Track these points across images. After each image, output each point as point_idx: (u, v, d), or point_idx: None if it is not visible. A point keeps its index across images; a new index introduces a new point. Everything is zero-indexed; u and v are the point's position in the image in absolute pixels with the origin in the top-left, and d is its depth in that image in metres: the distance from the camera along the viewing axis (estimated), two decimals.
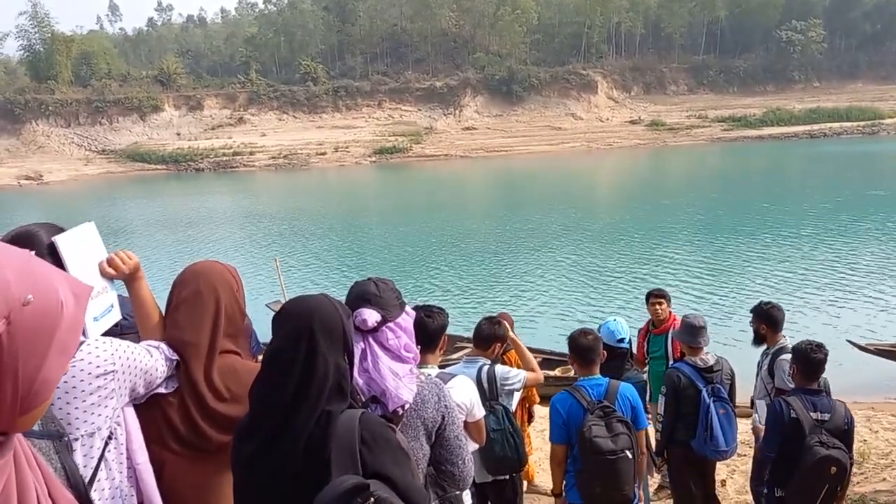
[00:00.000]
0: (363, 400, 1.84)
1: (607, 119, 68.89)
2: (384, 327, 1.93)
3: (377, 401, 1.87)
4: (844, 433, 3.54)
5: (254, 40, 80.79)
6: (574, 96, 70.95)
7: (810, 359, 3.60)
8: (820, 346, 3.65)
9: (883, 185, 29.55)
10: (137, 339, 2.07)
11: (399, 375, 1.90)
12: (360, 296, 1.97)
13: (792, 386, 3.98)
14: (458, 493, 2.10)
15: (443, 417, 2.01)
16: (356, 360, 1.89)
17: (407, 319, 2.01)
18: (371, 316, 1.91)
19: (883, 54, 75.72)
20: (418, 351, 2.07)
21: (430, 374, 2.20)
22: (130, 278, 2.03)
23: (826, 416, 3.50)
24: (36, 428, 1.31)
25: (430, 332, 2.67)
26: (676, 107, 69.77)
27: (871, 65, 74.91)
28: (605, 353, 3.88)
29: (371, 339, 1.92)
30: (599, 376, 3.56)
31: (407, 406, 1.91)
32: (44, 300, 0.86)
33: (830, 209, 24.60)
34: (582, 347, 3.58)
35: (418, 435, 1.97)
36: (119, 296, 2.08)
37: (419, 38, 78.57)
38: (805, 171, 39.89)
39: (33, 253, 0.93)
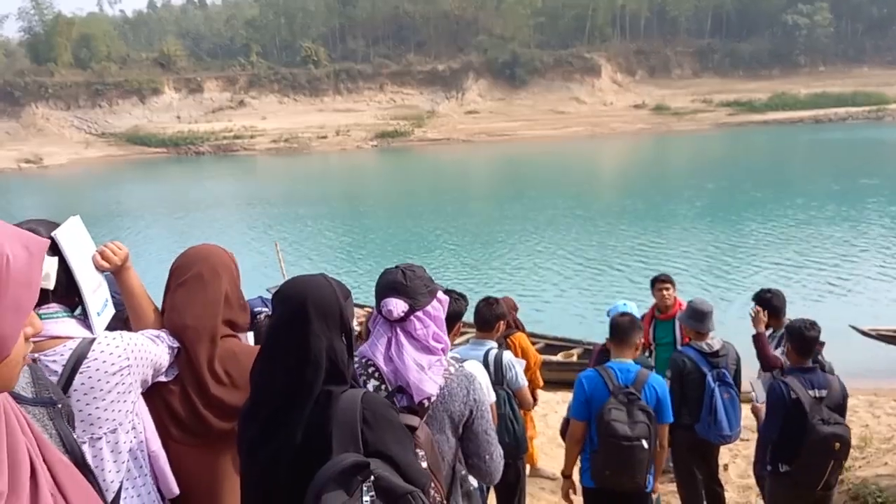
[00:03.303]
0: (389, 389, 1.83)
1: (611, 103, 68.46)
2: (412, 317, 1.88)
3: (403, 391, 1.84)
4: (840, 407, 3.59)
5: (254, 22, 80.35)
6: (578, 80, 70.50)
7: (805, 337, 3.62)
8: (813, 324, 3.67)
9: (884, 174, 29.35)
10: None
11: (424, 367, 1.86)
12: (388, 285, 1.92)
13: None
14: (473, 487, 2.07)
15: (471, 411, 1.96)
16: (382, 350, 1.88)
17: (437, 307, 1.95)
18: (397, 306, 1.86)
19: (890, 39, 75.03)
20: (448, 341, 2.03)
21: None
22: (120, 269, 1.99)
23: (824, 393, 3.53)
24: (28, 395, 1.30)
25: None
26: (681, 91, 69.29)
27: (877, 49, 74.24)
28: None
29: (398, 329, 1.89)
30: (632, 362, 3.53)
31: (433, 398, 1.88)
32: None
33: (833, 196, 24.50)
34: (616, 325, 3.59)
35: (444, 428, 1.93)
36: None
37: (421, 20, 77.97)
38: (809, 158, 39.69)
39: None
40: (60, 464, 1.05)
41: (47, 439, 1.07)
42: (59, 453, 1.09)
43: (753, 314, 4.55)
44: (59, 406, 1.37)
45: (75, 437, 1.35)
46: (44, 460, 1.01)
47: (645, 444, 3.28)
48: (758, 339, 4.49)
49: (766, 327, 4.61)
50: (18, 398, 1.24)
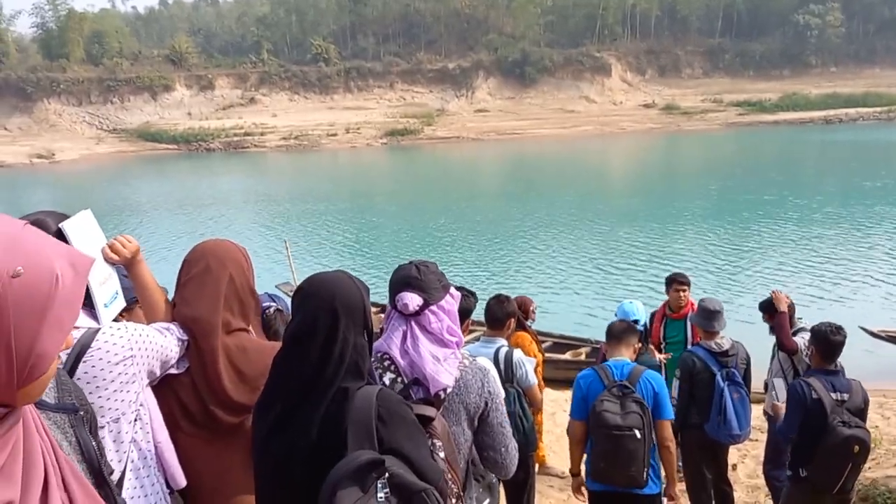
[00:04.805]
0: (406, 381, 1.86)
1: (621, 102, 68.20)
2: (426, 311, 1.91)
3: (419, 383, 1.87)
4: (861, 411, 3.58)
5: (265, 20, 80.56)
6: (588, 79, 70.26)
7: (830, 341, 3.60)
8: (839, 329, 3.66)
9: (894, 175, 29.11)
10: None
11: (440, 360, 1.89)
12: (402, 280, 1.95)
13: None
14: (495, 480, 2.09)
15: (486, 403, 1.99)
16: (398, 343, 1.91)
17: (451, 302, 1.98)
18: (412, 300, 1.89)
19: None
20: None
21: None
22: (131, 262, 2.02)
23: (845, 396, 3.52)
24: (51, 401, 1.30)
25: None
26: (691, 90, 68.95)
27: (888, 50, 73.50)
28: None
29: (413, 323, 1.92)
30: (627, 360, 3.60)
31: (449, 390, 1.90)
32: (35, 272, 0.84)
33: (843, 196, 24.38)
34: (610, 328, 3.78)
35: (460, 420, 1.95)
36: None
37: (432, 18, 77.93)
38: (819, 159, 39.43)
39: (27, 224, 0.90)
40: (71, 472, 1.04)
41: (66, 447, 1.08)
42: (72, 462, 1.09)
43: (774, 296, 4.56)
44: (82, 413, 1.37)
45: (94, 445, 1.36)
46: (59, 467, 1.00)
47: (637, 433, 3.28)
48: (778, 319, 4.48)
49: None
50: (40, 403, 1.22)
